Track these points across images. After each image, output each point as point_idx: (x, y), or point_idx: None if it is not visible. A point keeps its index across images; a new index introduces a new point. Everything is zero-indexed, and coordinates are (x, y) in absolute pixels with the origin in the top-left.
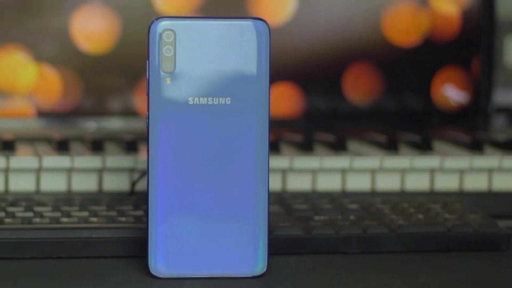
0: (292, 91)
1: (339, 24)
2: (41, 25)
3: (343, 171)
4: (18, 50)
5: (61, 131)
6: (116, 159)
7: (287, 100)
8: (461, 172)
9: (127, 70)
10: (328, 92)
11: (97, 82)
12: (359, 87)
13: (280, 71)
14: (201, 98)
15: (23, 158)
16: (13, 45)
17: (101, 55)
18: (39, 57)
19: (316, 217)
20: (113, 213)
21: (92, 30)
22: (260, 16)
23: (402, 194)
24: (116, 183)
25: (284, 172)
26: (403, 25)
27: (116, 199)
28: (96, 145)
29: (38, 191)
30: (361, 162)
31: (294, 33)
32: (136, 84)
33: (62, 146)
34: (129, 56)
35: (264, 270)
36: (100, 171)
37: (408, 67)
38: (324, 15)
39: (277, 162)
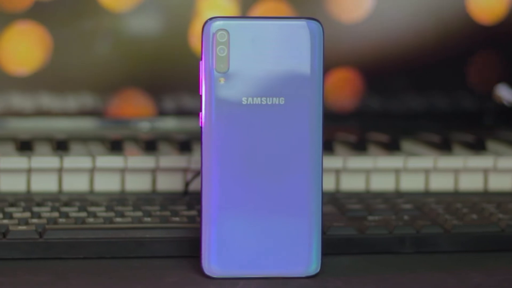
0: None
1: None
2: (94, 26)
3: (397, 171)
4: (70, 49)
5: (114, 131)
6: (169, 159)
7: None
8: None
9: (180, 69)
10: (383, 91)
11: (152, 81)
12: (414, 87)
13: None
14: (254, 98)
15: (76, 158)
16: (64, 43)
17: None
18: (94, 56)
19: (370, 217)
20: (167, 213)
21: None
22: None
23: (456, 194)
24: (169, 183)
25: (337, 172)
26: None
27: (169, 199)
28: (150, 145)
29: (91, 191)
30: (414, 162)
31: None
32: (189, 83)
33: (115, 146)
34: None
35: (318, 270)
36: (154, 171)
37: (461, 68)
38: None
39: (330, 162)
